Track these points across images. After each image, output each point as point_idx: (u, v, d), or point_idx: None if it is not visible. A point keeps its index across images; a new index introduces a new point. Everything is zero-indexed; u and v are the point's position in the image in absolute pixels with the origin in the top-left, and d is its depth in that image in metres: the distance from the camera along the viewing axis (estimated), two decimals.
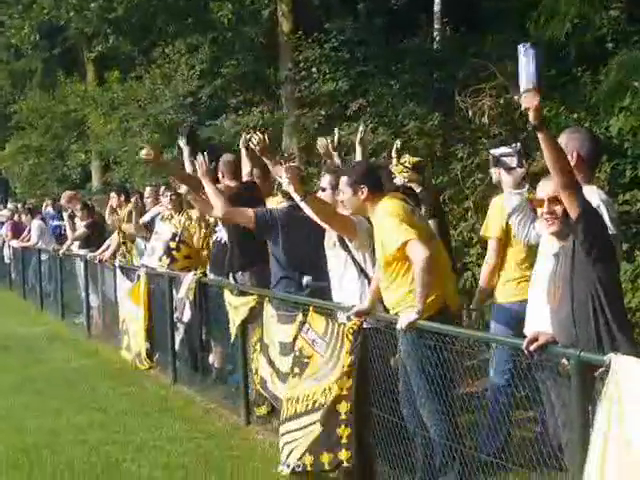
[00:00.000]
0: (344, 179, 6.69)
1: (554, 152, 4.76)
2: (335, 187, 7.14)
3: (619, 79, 10.76)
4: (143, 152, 9.58)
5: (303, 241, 7.98)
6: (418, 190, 8.49)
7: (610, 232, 5.38)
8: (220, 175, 9.59)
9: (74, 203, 16.10)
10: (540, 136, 4.70)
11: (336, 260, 7.29)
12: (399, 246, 6.17)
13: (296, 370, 7.27)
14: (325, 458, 6.70)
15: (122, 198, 13.84)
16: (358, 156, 8.93)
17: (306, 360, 7.22)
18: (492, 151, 6.15)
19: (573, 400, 4.73)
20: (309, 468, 6.81)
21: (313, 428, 6.76)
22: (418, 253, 6.07)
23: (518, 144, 6.20)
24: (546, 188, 5.08)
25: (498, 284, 7.12)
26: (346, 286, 7.20)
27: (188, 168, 9.98)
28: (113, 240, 13.94)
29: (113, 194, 14.28)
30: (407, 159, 9.06)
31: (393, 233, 6.24)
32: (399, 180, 8.74)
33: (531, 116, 4.69)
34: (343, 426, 6.66)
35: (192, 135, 10.53)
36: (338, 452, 6.66)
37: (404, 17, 17.64)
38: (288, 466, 6.95)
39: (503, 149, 6.18)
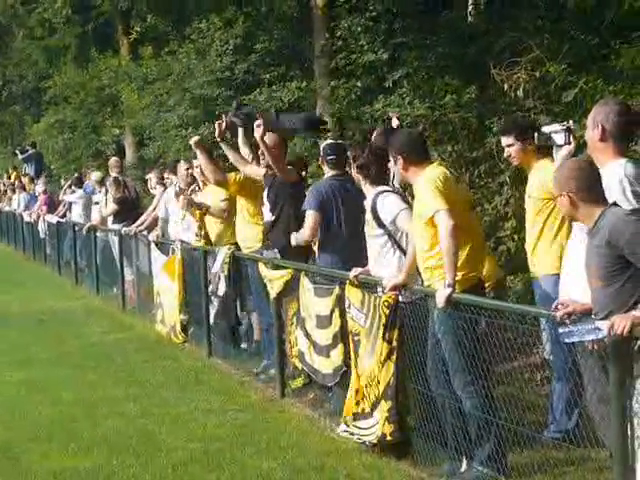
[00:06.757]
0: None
1: None
2: None
3: None
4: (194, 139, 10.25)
5: None
6: None
7: (631, 206, 5.36)
8: None
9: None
10: None
11: (369, 238, 7.31)
12: (430, 216, 6.23)
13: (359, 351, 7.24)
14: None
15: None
16: None
17: (357, 338, 7.24)
18: (543, 128, 6.24)
19: (610, 373, 4.72)
20: (375, 440, 6.90)
21: (382, 404, 6.80)
22: (443, 223, 6.12)
23: (570, 122, 6.25)
24: None
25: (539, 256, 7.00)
26: (383, 262, 7.19)
27: (243, 151, 9.96)
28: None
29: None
30: None
31: (427, 203, 6.31)
32: None
33: None
34: (385, 400, 6.70)
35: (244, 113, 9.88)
36: (383, 425, 6.73)
37: None
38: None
39: (554, 126, 6.26)
